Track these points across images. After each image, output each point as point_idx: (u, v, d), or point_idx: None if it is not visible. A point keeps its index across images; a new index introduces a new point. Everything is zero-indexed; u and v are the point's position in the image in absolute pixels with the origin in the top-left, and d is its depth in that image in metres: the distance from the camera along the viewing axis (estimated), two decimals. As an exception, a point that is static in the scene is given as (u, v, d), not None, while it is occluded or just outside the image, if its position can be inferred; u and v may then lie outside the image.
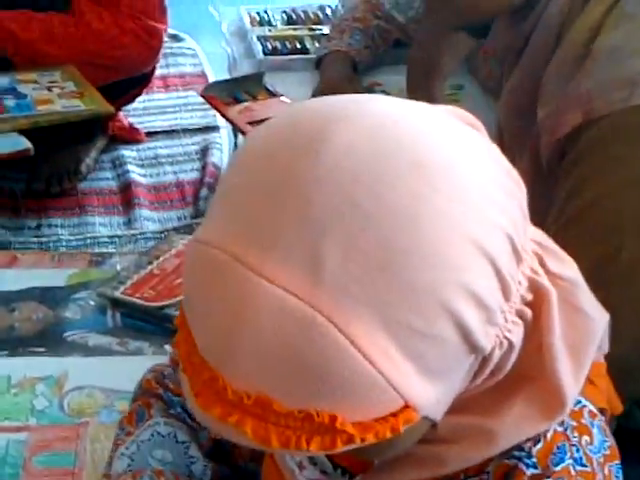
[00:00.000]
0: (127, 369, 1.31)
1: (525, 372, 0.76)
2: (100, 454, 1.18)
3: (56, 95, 1.73)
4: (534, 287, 0.72)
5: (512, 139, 1.39)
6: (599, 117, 1.22)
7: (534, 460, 0.79)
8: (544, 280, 0.73)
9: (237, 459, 1.06)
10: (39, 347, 1.37)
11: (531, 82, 1.33)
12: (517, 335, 0.71)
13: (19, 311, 1.45)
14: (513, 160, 0.72)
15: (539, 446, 0.79)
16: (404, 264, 0.63)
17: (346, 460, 0.85)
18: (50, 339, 1.39)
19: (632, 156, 1.21)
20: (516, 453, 0.79)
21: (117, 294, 1.45)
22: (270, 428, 0.66)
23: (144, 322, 1.42)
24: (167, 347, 1.35)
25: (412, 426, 0.68)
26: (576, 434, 0.81)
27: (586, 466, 0.80)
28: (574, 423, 0.81)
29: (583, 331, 0.77)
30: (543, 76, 1.29)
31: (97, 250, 1.71)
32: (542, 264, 0.74)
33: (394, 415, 0.66)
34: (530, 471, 0.79)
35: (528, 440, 0.79)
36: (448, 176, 0.65)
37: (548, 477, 0.79)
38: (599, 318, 0.79)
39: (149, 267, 1.52)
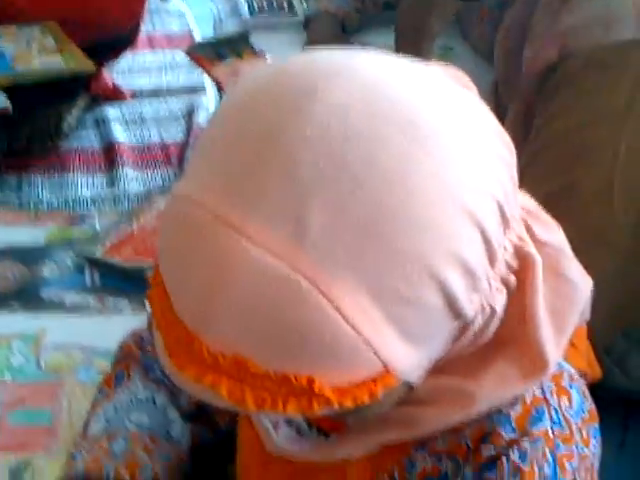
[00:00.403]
0: (106, 327, 1.31)
1: (507, 337, 0.75)
2: (77, 412, 1.17)
3: (35, 52, 1.70)
4: (520, 254, 0.71)
5: (504, 87, 1.38)
6: (574, 53, 1.22)
7: (512, 424, 0.79)
8: (530, 247, 0.72)
9: (218, 421, 1.05)
10: (15, 304, 1.36)
11: (522, 26, 1.32)
12: (500, 302, 0.70)
13: (-5, 271, 1.43)
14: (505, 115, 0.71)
15: (517, 410, 0.79)
16: (392, 229, 0.62)
17: (322, 420, 0.84)
18: (26, 296, 1.37)
19: (599, 91, 1.21)
20: (494, 417, 0.79)
21: (96, 254, 1.43)
22: (246, 389, 0.65)
23: (123, 283, 1.41)
24: (148, 306, 1.34)
25: (390, 390, 0.67)
26: (555, 397, 0.80)
27: (564, 428, 0.80)
28: (553, 386, 0.81)
29: (567, 299, 0.77)
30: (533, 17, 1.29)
31: (78, 210, 1.68)
32: (529, 231, 0.73)
33: (373, 380, 0.66)
34: (508, 435, 0.79)
35: (507, 404, 0.79)
36: (440, 139, 0.63)
37: (525, 438, 0.78)
38: (583, 286, 0.78)
39: (129, 227, 1.50)
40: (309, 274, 0.61)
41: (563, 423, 0.80)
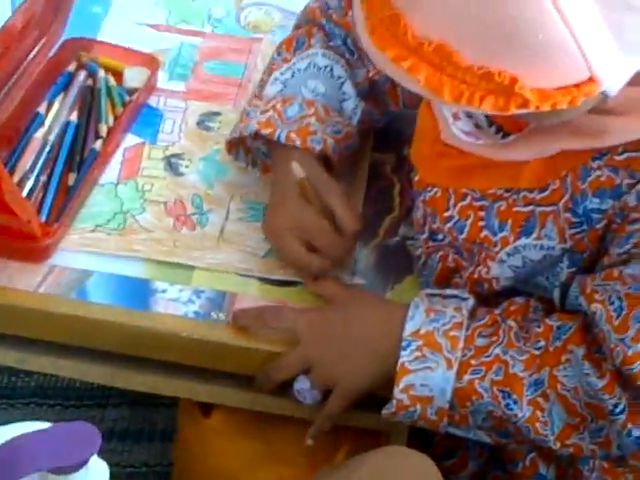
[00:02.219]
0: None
1: None
2: (269, 70, 1.18)
3: None
4: None
5: None
6: None
7: None
8: None
9: (390, 104, 1.06)
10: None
11: None
12: None
13: None
14: None
15: None
16: None
17: (502, 118, 0.84)
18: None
19: None
20: None
21: None
22: (445, 79, 0.65)
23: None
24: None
25: (589, 99, 0.67)
26: None
27: None
28: None
29: None
30: None
31: None
32: None
33: (576, 86, 0.65)
34: None
35: None
36: None
37: None
38: None
39: None
40: None
41: None
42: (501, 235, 0.89)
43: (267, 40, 1.23)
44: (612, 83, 0.67)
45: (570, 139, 0.80)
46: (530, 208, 0.87)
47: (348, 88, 1.03)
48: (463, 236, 0.91)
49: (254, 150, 1.04)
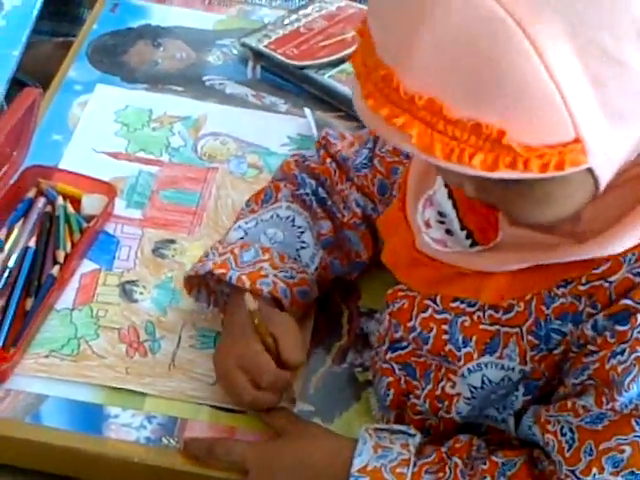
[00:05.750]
0: (262, 123, 1.35)
1: None
2: (224, 200, 1.23)
3: None
4: None
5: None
6: None
7: None
8: None
9: (362, 253, 1.10)
10: (178, 86, 1.40)
11: None
12: None
13: (164, 48, 1.47)
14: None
15: None
16: None
17: (474, 223, 0.87)
18: (189, 80, 1.41)
19: None
20: None
21: (260, 46, 1.45)
22: (436, 136, 0.67)
23: (282, 79, 1.43)
24: (306, 110, 1.36)
25: (571, 183, 0.71)
26: None
27: None
28: None
29: None
30: None
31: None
32: None
33: (563, 146, 0.67)
34: None
35: None
36: None
37: None
38: None
39: (296, 25, 1.51)
40: (517, 15, 0.63)
41: None
42: (465, 350, 0.90)
43: (222, 169, 1.27)
44: (599, 158, 0.69)
45: (539, 254, 0.82)
46: (496, 327, 0.88)
47: (307, 237, 1.07)
48: (428, 347, 0.93)
49: (217, 292, 1.07)
